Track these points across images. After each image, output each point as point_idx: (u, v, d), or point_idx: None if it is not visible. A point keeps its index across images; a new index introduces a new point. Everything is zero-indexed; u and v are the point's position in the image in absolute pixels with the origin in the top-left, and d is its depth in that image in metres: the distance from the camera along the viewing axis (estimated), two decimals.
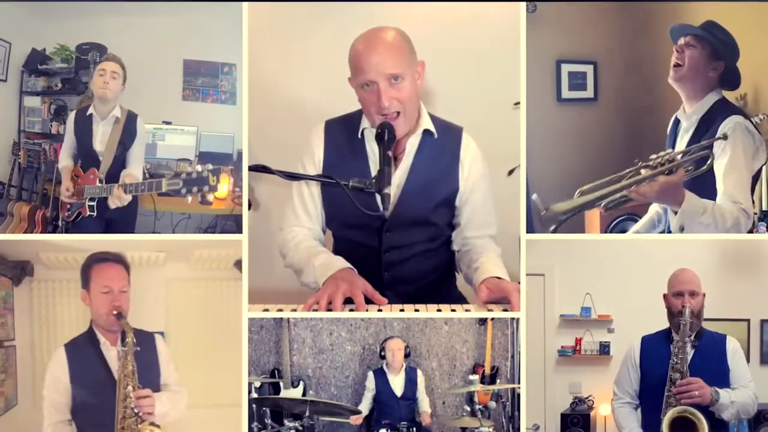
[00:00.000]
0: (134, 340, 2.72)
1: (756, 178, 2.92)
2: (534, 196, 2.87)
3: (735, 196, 2.79)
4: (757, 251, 3.40)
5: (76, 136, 3.50)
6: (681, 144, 3.02)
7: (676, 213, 2.80)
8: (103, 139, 3.42)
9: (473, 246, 2.88)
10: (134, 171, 3.43)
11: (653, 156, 2.88)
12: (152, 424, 2.69)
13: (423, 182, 2.80)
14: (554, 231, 2.86)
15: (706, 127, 2.91)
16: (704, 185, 2.86)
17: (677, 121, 3.07)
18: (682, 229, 2.81)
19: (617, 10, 3.58)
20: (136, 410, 2.66)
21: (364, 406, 3.48)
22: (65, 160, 3.53)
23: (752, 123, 2.91)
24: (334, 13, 3.65)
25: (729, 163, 2.82)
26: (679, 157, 2.89)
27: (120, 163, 3.41)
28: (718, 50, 2.95)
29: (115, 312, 2.76)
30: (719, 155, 2.84)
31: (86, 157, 3.45)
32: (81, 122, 3.49)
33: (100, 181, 3.36)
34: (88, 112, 3.46)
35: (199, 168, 2.94)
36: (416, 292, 2.88)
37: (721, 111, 2.93)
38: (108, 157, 3.40)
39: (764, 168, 2.99)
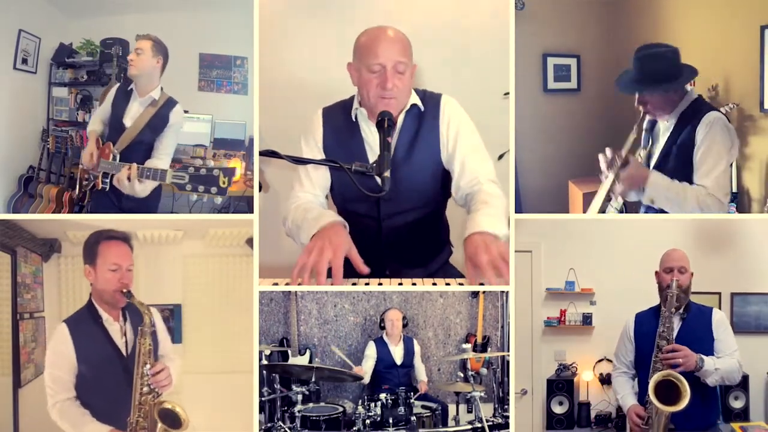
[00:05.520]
0: (152, 320, 2.65)
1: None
2: None
3: (705, 182, 2.93)
4: (727, 230, 3.54)
5: (113, 107, 3.41)
6: (661, 140, 3.13)
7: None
8: (134, 115, 3.35)
9: (471, 195, 2.83)
10: (159, 163, 3.24)
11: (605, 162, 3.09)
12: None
13: (413, 151, 2.89)
14: None
15: (685, 123, 3.01)
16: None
17: (654, 122, 3.16)
18: (652, 201, 3.00)
19: (598, 8, 3.70)
20: (152, 386, 2.61)
21: (367, 374, 3.62)
22: (94, 124, 3.44)
23: (725, 116, 3.02)
24: (338, 7, 3.80)
25: (705, 153, 2.94)
26: (622, 152, 3.09)
27: (145, 147, 3.31)
28: (672, 84, 3.01)
29: (124, 290, 2.69)
30: (698, 145, 2.96)
31: (113, 129, 3.37)
32: (121, 95, 3.42)
33: (114, 158, 3.22)
34: (130, 87, 3.39)
35: (211, 164, 2.72)
36: (413, 258, 2.99)
37: (699, 107, 3.02)
38: (130, 133, 3.30)
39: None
